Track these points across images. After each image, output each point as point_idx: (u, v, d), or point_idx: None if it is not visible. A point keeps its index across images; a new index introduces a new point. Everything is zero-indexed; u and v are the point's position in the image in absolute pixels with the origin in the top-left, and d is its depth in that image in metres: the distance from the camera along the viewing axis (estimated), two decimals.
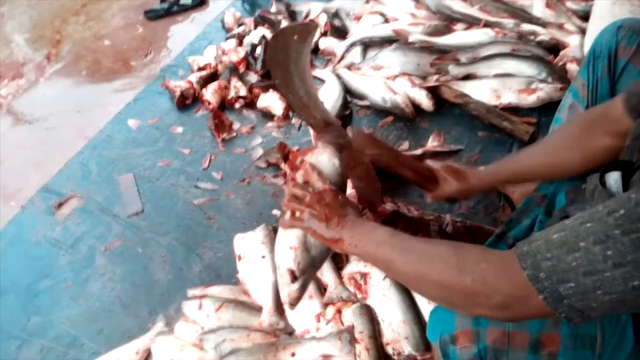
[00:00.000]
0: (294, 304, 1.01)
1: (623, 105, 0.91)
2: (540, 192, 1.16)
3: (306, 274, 0.99)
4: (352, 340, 1.23)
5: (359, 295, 1.38)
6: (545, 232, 0.66)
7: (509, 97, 1.92)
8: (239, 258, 1.52)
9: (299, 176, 1.02)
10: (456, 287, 0.71)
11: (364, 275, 1.40)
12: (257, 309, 1.39)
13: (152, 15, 2.94)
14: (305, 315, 1.36)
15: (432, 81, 2.02)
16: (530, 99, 1.90)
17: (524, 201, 1.19)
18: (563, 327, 0.78)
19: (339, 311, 1.34)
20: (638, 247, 0.56)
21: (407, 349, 1.25)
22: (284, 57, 1.06)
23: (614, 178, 0.80)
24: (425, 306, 1.32)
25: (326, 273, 1.43)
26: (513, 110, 1.92)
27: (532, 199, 1.17)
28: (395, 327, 1.28)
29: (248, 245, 1.53)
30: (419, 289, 0.82)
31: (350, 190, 1.52)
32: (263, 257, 1.48)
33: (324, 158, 1.07)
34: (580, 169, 1.05)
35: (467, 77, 2.02)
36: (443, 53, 2.10)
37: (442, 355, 0.86)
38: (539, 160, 1.13)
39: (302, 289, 1.00)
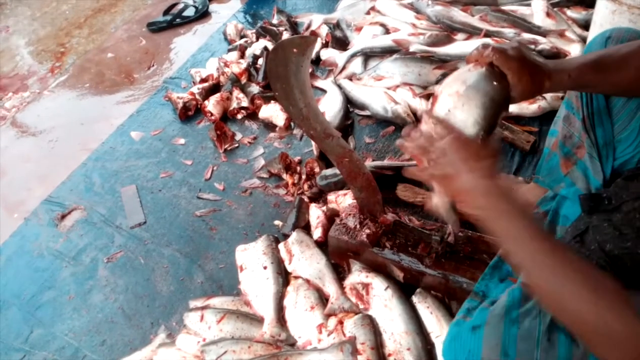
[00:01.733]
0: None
1: None
2: (542, 209, 1.15)
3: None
4: (354, 352, 1.22)
5: (361, 306, 1.38)
6: None
7: (510, 106, 1.92)
8: (241, 269, 1.52)
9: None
10: (594, 324, 0.64)
11: (366, 286, 1.40)
12: (259, 320, 1.39)
13: (155, 28, 2.97)
14: (307, 326, 1.35)
15: (432, 90, 2.03)
16: (531, 108, 1.90)
17: None
18: (592, 357, 0.76)
19: (340, 322, 1.34)
20: None
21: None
22: (284, 70, 1.07)
23: None
24: (428, 317, 1.31)
25: (328, 284, 1.43)
26: (514, 119, 1.92)
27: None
28: (398, 338, 1.28)
29: (250, 256, 1.53)
30: (549, 304, 0.73)
31: (351, 201, 1.52)
32: (265, 267, 1.48)
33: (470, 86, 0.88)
34: None
35: None
36: (444, 63, 2.11)
37: None
38: (634, 70, 0.97)
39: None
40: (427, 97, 2.01)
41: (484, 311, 0.87)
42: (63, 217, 1.88)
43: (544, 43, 2.13)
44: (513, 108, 1.90)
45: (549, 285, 0.70)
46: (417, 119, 1.98)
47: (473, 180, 0.78)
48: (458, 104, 0.88)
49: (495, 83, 0.87)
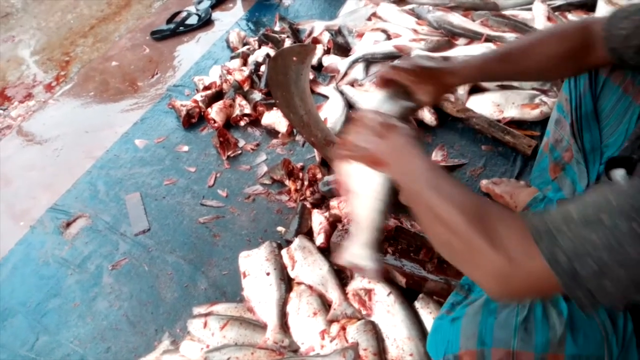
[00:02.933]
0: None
1: (602, 42, 0.94)
2: (531, 210, 1.16)
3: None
4: (357, 358, 1.23)
5: (364, 312, 1.38)
6: (563, 208, 0.63)
7: (512, 111, 1.92)
8: (244, 275, 1.53)
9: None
10: (466, 239, 0.67)
11: (369, 292, 1.40)
12: (262, 327, 1.40)
13: (159, 36, 2.99)
14: (309, 332, 1.36)
15: None
16: (533, 114, 1.90)
17: None
18: (568, 347, 0.78)
19: (343, 328, 1.34)
20: None
21: None
22: (284, 78, 1.08)
23: (619, 174, 0.80)
24: (430, 323, 1.31)
25: (331, 290, 1.43)
26: (516, 123, 1.92)
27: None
28: (400, 344, 1.28)
29: (253, 262, 1.54)
30: (430, 226, 0.76)
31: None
32: (268, 274, 1.49)
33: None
34: (568, 76, 1.11)
35: (470, 92, 2.03)
36: None
37: None
38: (535, 63, 1.05)
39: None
40: None
41: (465, 306, 0.89)
42: (68, 224, 1.89)
43: None
44: (515, 113, 1.91)
45: (429, 195, 0.74)
46: (418, 124, 1.99)
47: (386, 143, 0.85)
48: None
49: (396, 99, 0.99)
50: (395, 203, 0.96)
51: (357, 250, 1.05)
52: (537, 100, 1.91)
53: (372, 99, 1.02)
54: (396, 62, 1.05)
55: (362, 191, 0.95)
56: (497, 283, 0.65)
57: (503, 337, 0.80)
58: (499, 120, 1.91)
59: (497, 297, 0.71)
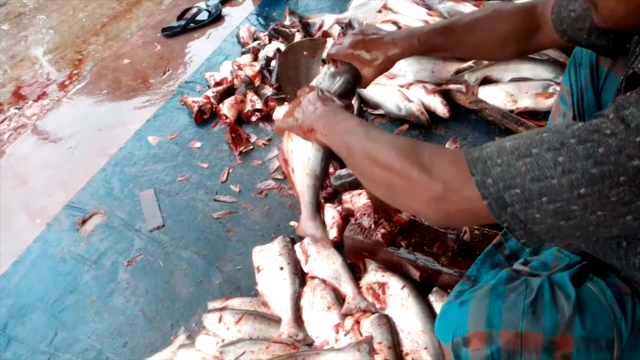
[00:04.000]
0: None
1: (551, 24, 0.95)
2: None
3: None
4: (371, 351, 1.23)
5: (378, 305, 1.38)
6: (500, 140, 0.67)
7: (526, 101, 1.90)
8: (258, 270, 1.53)
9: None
10: (402, 172, 0.72)
11: (382, 285, 1.40)
12: (277, 321, 1.41)
13: (169, 33, 3.00)
14: (323, 326, 1.36)
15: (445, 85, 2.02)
16: (547, 103, 1.88)
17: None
18: (576, 329, 0.78)
19: (357, 322, 1.34)
20: (590, 156, 0.57)
21: (427, 359, 1.24)
22: (294, 73, 1.08)
23: None
24: None
25: (344, 284, 1.44)
26: (529, 113, 1.90)
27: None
28: (415, 337, 1.28)
29: (266, 257, 1.55)
30: (367, 172, 0.80)
31: (366, 201, 1.53)
32: (281, 268, 1.49)
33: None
34: (505, 58, 1.18)
35: (483, 82, 2.01)
36: (456, 59, 2.10)
37: (455, 358, 0.86)
38: (475, 40, 1.07)
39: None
40: (441, 93, 2.00)
41: (472, 291, 0.89)
42: (84, 221, 1.92)
43: None
44: (529, 103, 1.89)
45: (371, 149, 0.78)
46: (431, 116, 1.98)
47: (319, 116, 0.90)
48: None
49: (336, 76, 1.03)
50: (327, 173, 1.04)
51: (305, 222, 1.11)
52: (550, 90, 1.89)
53: (318, 79, 1.05)
54: (341, 39, 1.06)
55: (299, 167, 1.01)
56: (435, 209, 0.70)
57: (511, 319, 0.80)
58: (511, 111, 1.89)
59: (435, 221, 0.79)
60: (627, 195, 0.57)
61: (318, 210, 1.08)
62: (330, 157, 0.99)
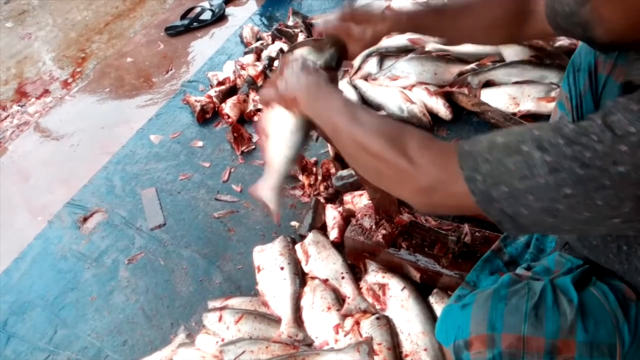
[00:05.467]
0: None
1: (544, 17, 0.95)
2: None
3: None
4: (371, 352, 1.23)
5: (378, 307, 1.38)
6: (492, 135, 0.67)
7: (528, 104, 1.90)
8: (258, 270, 1.53)
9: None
10: (391, 161, 0.73)
11: (383, 286, 1.40)
12: (277, 321, 1.41)
13: (173, 32, 3.01)
14: (323, 326, 1.36)
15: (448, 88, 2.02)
16: (549, 106, 1.88)
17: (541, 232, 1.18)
18: (579, 334, 0.78)
19: (357, 322, 1.34)
20: (577, 158, 0.58)
21: None
22: None
23: None
24: None
25: (345, 284, 1.44)
26: (532, 116, 1.90)
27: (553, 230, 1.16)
28: (414, 339, 1.28)
29: (267, 256, 1.55)
30: (355, 157, 0.81)
31: (367, 201, 1.53)
32: (282, 268, 1.49)
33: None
34: (494, 44, 1.17)
35: (486, 85, 2.01)
36: (460, 61, 2.10)
37: None
38: (465, 25, 1.06)
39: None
40: (443, 95, 2.00)
41: (474, 295, 0.89)
42: (85, 219, 1.92)
43: (562, 38, 2.10)
44: (531, 106, 1.88)
45: (359, 133, 0.78)
46: (433, 118, 1.98)
47: (303, 87, 0.90)
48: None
49: (323, 49, 1.03)
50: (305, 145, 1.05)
51: (265, 191, 1.11)
52: (553, 94, 1.89)
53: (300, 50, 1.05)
54: (330, 14, 1.07)
55: (276, 136, 1.00)
56: (423, 200, 0.72)
57: (514, 323, 0.80)
58: (514, 114, 1.89)
59: (423, 210, 0.82)
60: (613, 199, 0.58)
61: (283, 183, 1.09)
62: (309, 129, 0.99)
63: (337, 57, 1.04)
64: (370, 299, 1.39)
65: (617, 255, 0.84)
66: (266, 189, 1.10)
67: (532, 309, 0.80)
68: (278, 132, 0.99)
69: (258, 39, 2.71)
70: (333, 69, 1.03)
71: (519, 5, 1.00)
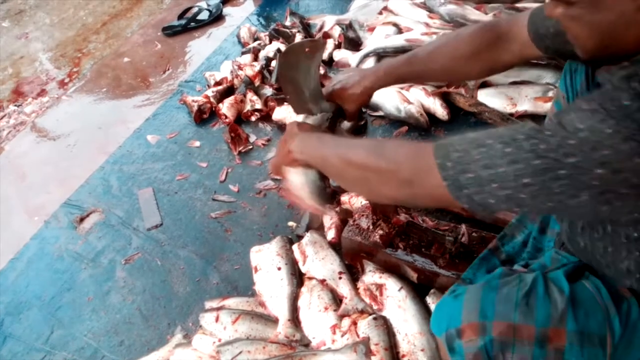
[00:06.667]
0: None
1: (529, 40, 0.99)
2: None
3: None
4: (368, 352, 1.23)
5: (375, 307, 1.38)
6: (467, 134, 0.73)
7: (525, 104, 1.90)
8: (255, 270, 1.53)
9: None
10: (373, 166, 0.80)
11: (380, 287, 1.40)
12: (274, 321, 1.40)
13: (170, 32, 3.01)
14: (320, 327, 1.36)
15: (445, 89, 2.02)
16: (546, 107, 1.88)
17: (519, 216, 1.20)
18: (569, 323, 0.79)
19: (354, 323, 1.34)
20: (533, 150, 0.64)
21: None
22: (294, 74, 1.08)
23: None
24: None
25: (342, 285, 1.43)
26: (529, 117, 1.90)
27: (526, 215, 1.17)
28: (412, 339, 1.28)
29: (264, 257, 1.55)
30: (344, 174, 0.89)
31: (364, 202, 1.53)
32: (279, 268, 1.49)
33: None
34: (475, 78, 1.23)
35: (483, 85, 2.01)
36: None
37: (448, 350, 0.87)
38: (439, 65, 1.11)
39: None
40: (441, 96, 2.00)
41: (466, 287, 0.91)
42: (82, 219, 1.92)
43: None
44: (528, 106, 1.89)
45: (343, 154, 0.87)
46: (430, 118, 1.98)
47: (294, 140, 0.99)
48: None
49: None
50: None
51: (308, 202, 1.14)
52: (550, 94, 1.89)
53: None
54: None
55: (296, 186, 1.07)
56: (405, 193, 0.78)
57: (504, 311, 0.81)
58: (511, 114, 1.89)
59: (409, 204, 0.94)
60: (570, 188, 0.62)
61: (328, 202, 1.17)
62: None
63: (332, 118, 1.16)
64: (367, 299, 1.39)
65: (604, 257, 0.85)
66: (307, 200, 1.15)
67: (523, 297, 0.81)
68: (297, 182, 1.06)
69: (255, 39, 2.71)
70: (329, 129, 1.15)
71: (489, 36, 1.04)
